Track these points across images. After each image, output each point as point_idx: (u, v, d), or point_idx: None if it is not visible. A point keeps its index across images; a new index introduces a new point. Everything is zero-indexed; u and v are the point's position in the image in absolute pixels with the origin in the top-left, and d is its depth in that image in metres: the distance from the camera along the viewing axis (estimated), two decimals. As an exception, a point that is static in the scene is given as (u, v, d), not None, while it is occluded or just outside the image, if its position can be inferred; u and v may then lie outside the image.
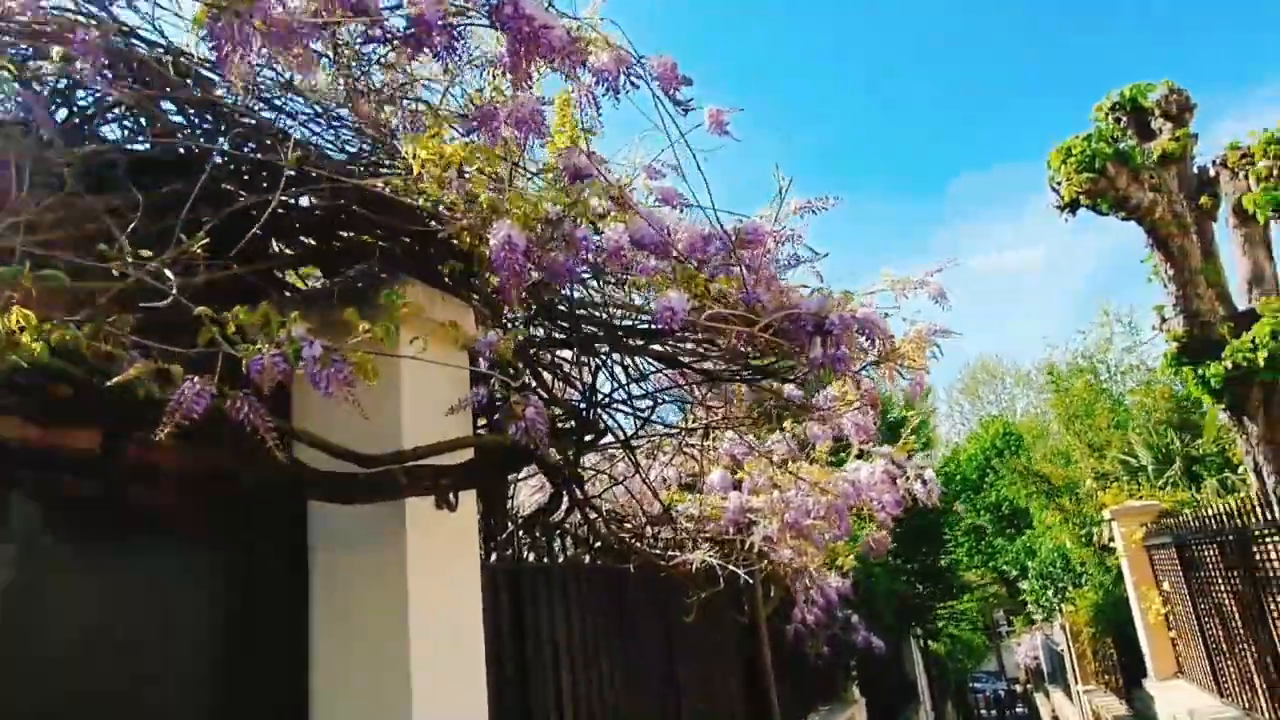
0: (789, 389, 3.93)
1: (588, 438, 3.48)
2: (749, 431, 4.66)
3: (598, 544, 4.42)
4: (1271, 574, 6.19)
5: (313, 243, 2.57)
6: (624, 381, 3.43)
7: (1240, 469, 10.79)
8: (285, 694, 2.27)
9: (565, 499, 3.93)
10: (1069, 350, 16.45)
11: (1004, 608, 41.69)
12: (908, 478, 6.11)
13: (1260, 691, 6.99)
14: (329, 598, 2.28)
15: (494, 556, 3.47)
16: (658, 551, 4.80)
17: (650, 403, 3.65)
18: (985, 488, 30.26)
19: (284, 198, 2.11)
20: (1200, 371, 8.13)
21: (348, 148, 2.72)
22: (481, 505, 3.16)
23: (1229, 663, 7.71)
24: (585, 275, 2.94)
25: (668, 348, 3.18)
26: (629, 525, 4.82)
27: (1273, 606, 6.30)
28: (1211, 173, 8.77)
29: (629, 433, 3.87)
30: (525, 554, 3.92)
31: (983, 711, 38.68)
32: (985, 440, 31.66)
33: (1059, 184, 8.39)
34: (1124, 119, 8.65)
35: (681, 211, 2.75)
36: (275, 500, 2.30)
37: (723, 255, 2.69)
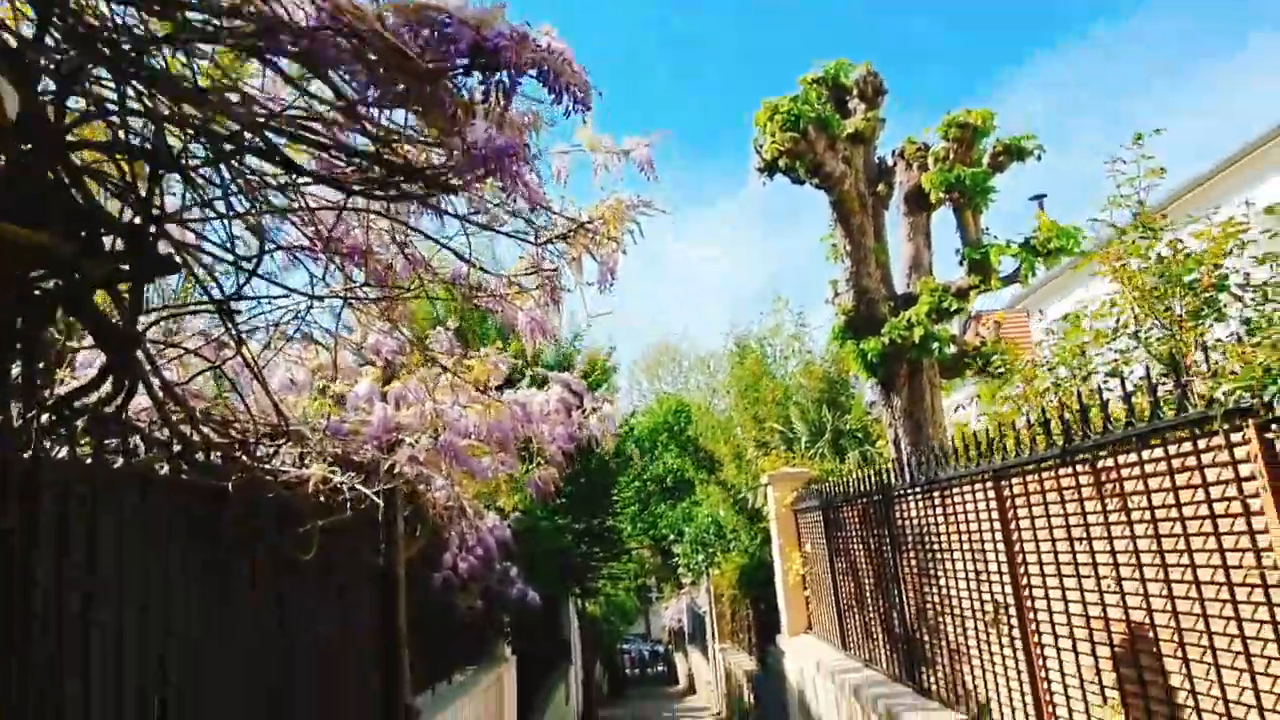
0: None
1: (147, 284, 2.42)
2: (393, 311, 3.76)
3: (182, 448, 3.31)
4: (906, 531, 6.51)
5: None
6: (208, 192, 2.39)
7: (879, 443, 11.84)
8: None
9: (138, 387, 2.81)
10: (749, 332, 17.39)
11: (656, 575, 44.41)
12: (585, 412, 5.55)
13: (880, 644, 7.41)
14: None
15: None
16: (269, 468, 3.78)
17: (254, 236, 2.63)
18: (654, 460, 31.80)
19: None
20: (861, 345, 8.56)
21: None
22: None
23: (856, 619, 8.18)
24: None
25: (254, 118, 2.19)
26: (235, 431, 3.73)
27: (904, 564, 6.64)
28: (890, 162, 9.29)
29: (227, 292, 2.83)
30: (58, 448, 2.75)
31: (627, 671, 40.81)
32: (659, 415, 33.16)
33: (761, 144, 8.38)
34: (825, 94, 8.85)
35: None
36: None
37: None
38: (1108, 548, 3.80)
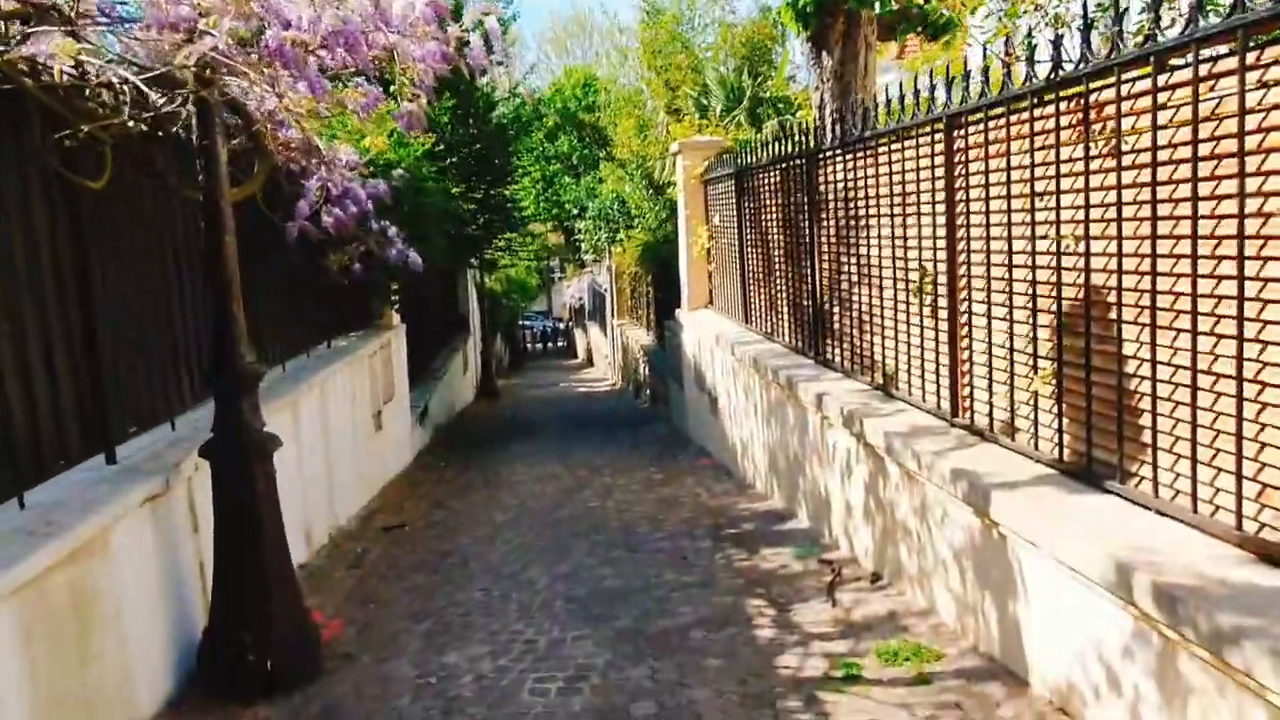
0: None
1: None
2: None
3: None
4: (828, 196, 5.91)
5: None
6: None
7: (800, 113, 10.97)
8: None
9: None
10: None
11: (560, 255, 44.44)
12: (464, 28, 4.43)
13: (785, 318, 7.11)
14: None
15: None
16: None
17: None
18: (560, 136, 30.09)
19: None
20: (797, -3, 7.42)
21: None
22: None
23: (761, 293, 7.83)
24: None
25: None
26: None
27: (820, 233, 6.11)
28: None
29: None
30: None
31: (528, 345, 42.07)
32: (567, 89, 31.00)
33: None
34: None
35: None
36: None
37: None
38: (1080, 201, 3.21)
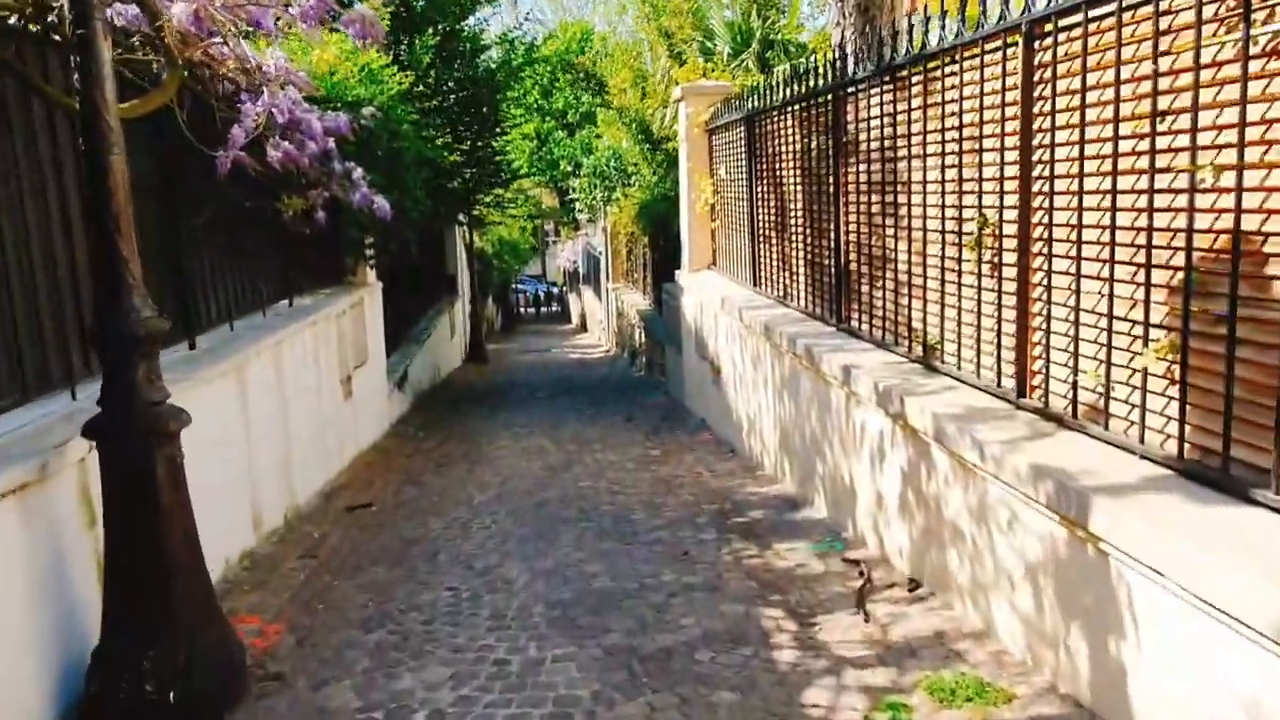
0: None
1: None
2: None
3: None
4: (859, 137, 5.09)
5: None
6: None
7: (813, 56, 10.06)
8: None
9: None
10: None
11: (554, 218, 43.40)
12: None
13: (802, 280, 6.33)
14: None
15: None
16: None
17: None
18: (554, 93, 28.97)
19: None
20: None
21: None
22: None
23: (773, 252, 7.03)
24: None
25: None
26: None
27: (847, 181, 5.30)
28: None
29: None
30: None
31: (521, 309, 41.24)
32: (562, 43, 29.80)
33: None
34: None
35: None
36: None
37: None
38: (1228, 118, 2.42)
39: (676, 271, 9.93)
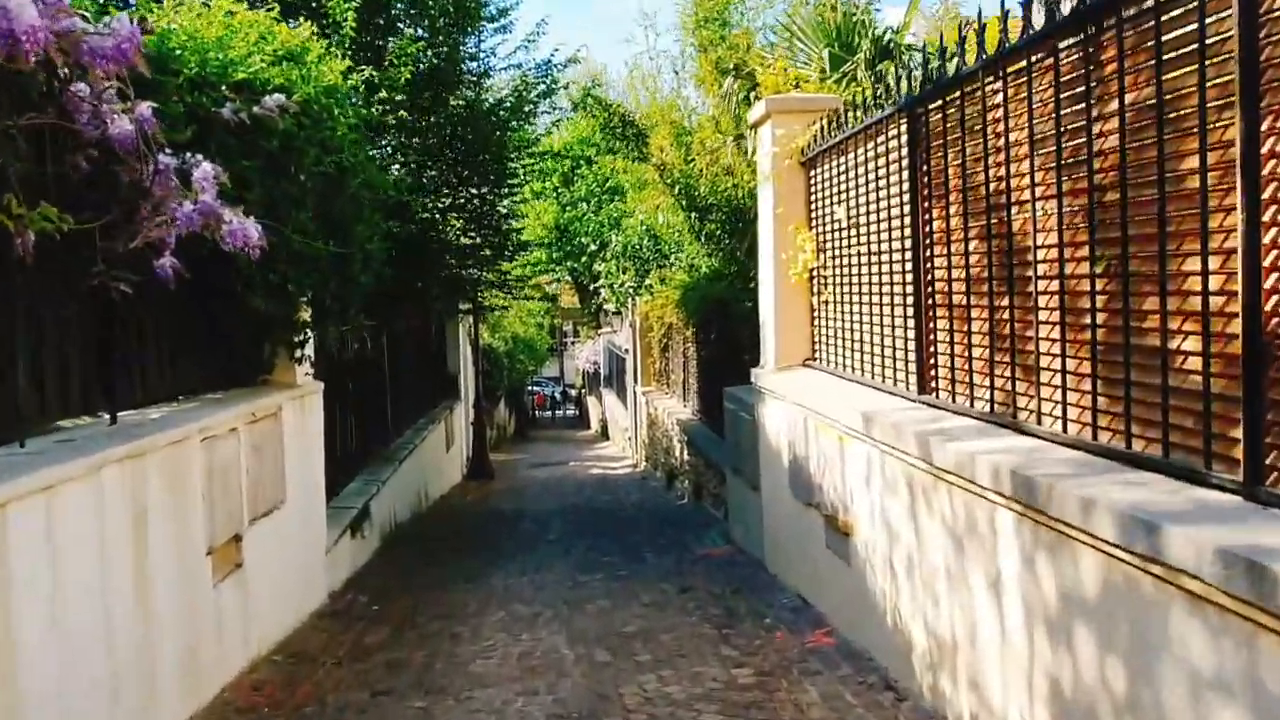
0: None
1: None
2: None
3: None
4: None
5: None
6: None
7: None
8: None
9: None
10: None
11: (573, 318, 40.88)
12: None
13: (1070, 375, 3.23)
14: None
15: None
16: None
17: None
18: (576, 180, 26.37)
19: None
20: None
21: None
22: None
23: (972, 332, 3.98)
24: None
25: None
26: None
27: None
28: None
29: None
30: None
31: (535, 412, 38.38)
32: (584, 129, 27.71)
33: None
34: None
35: None
36: None
37: None
38: None
39: (755, 370, 6.88)
